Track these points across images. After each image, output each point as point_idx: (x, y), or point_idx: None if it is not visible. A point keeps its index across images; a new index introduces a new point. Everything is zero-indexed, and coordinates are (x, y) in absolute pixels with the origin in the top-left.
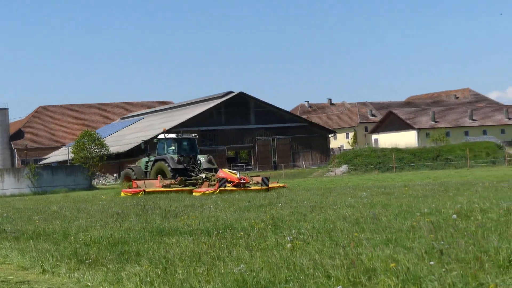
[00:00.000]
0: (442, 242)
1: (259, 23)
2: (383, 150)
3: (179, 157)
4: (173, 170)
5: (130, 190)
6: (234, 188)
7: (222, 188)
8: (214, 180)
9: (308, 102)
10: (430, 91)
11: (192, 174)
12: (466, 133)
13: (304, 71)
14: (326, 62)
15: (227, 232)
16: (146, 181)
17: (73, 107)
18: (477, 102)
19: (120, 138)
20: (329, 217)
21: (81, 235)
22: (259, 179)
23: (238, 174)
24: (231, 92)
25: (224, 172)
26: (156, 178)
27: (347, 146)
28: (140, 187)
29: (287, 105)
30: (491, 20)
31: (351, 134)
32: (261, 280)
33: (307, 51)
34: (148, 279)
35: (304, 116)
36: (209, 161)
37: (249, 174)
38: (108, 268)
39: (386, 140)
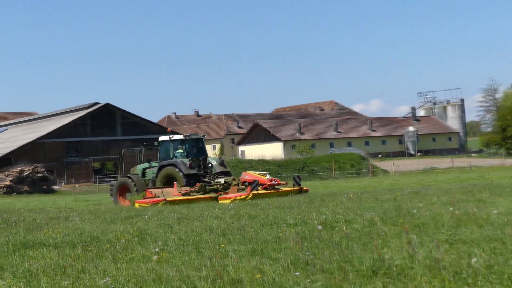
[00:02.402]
0: (307, 253)
1: (126, 34)
2: (250, 161)
3: (191, 161)
4: (185, 176)
5: (148, 200)
6: (265, 191)
7: (255, 192)
8: (236, 185)
9: (175, 113)
10: (296, 103)
11: (205, 179)
12: (332, 145)
13: (171, 83)
14: (193, 74)
15: (93, 245)
16: (164, 189)
17: None
18: (342, 114)
19: None
20: (196, 229)
21: None
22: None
23: (267, 175)
24: (97, 103)
25: (250, 175)
26: (164, 186)
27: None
28: (158, 196)
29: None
30: (354, 36)
31: (217, 146)
32: None
33: (174, 63)
34: None
35: (171, 128)
36: (222, 164)
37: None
38: None
39: (253, 151)
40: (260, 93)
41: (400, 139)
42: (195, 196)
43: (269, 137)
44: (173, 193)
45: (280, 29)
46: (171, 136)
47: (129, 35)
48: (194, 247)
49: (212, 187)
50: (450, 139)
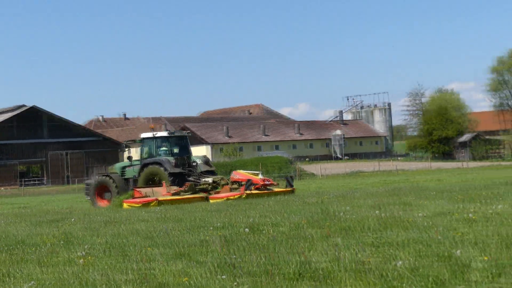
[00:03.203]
0: (234, 256)
1: (51, 34)
2: None
3: (176, 160)
4: (171, 175)
5: (138, 200)
6: (259, 191)
7: (248, 192)
8: (225, 184)
9: (102, 116)
10: (224, 106)
11: (190, 178)
12: (259, 148)
13: (99, 85)
14: (121, 77)
15: (18, 248)
16: (154, 189)
17: None
18: (269, 117)
19: None
20: (122, 232)
21: None
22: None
23: (260, 175)
24: (23, 105)
25: (241, 174)
26: (146, 186)
27: None
28: (148, 196)
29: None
30: (282, 39)
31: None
32: None
33: (101, 66)
34: None
35: (99, 131)
36: (206, 163)
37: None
38: None
39: None
40: (188, 96)
41: (327, 142)
42: (186, 196)
43: (196, 140)
44: (162, 192)
45: (207, 32)
46: (154, 133)
47: (55, 35)
48: (120, 251)
49: (201, 187)
50: (376, 142)
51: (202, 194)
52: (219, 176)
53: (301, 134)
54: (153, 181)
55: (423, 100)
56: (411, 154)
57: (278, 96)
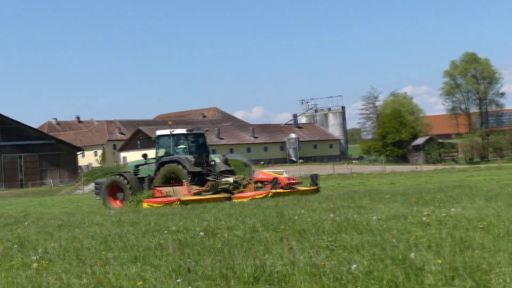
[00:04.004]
0: (189, 260)
1: (4, 42)
2: None
3: (196, 158)
4: (190, 174)
5: (159, 199)
6: (284, 190)
7: (274, 191)
8: (247, 184)
9: (56, 119)
10: (179, 109)
11: (209, 178)
12: (214, 151)
13: (52, 88)
14: (74, 79)
15: None
16: (175, 188)
17: None
18: (224, 121)
19: None
20: (77, 236)
21: None
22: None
23: (285, 173)
24: None
25: (265, 173)
26: (166, 185)
27: (95, 164)
28: (170, 196)
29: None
30: (236, 44)
31: (99, 152)
32: None
33: (54, 68)
34: None
35: (52, 134)
36: (225, 162)
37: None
38: None
39: (135, 157)
40: (144, 99)
41: (282, 146)
42: (209, 196)
43: (151, 143)
44: (183, 192)
45: (162, 34)
46: (171, 130)
47: (6, 37)
48: (75, 255)
49: (222, 186)
50: (331, 146)
51: (224, 194)
52: (240, 175)
53: (256, 137)
54: (170, 181)
55: (377, 103)
56: (366, 158)
57: (233, 99)
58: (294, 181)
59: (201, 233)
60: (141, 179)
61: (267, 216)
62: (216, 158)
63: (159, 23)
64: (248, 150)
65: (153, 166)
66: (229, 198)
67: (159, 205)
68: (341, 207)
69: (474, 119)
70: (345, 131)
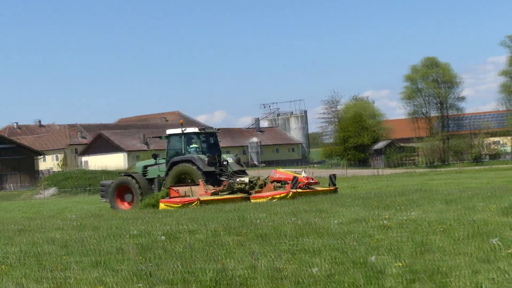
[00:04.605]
0: (150, 264)
1: None
2: (93, 172)
3: (210, 157)
4: (204, 173)
5: (177, 199)
6: (302, 190)
7: (294, 190)
8: (262, 184)
9: (16, 123)
10: (141, 113)
11: (222, 178)
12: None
13: (13, 91)
14: (35, 82)
15: None
16: (193, 188)
17: None
18: (187, 125)
19: None
20: (37, 241)
21: None
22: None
23: (303, 173)
24: None
25: (282, 172)
26: (176, 185)
27: (56, 168)
28: (187, 196)
29: None
30: (196, 46)
31: (60, 156)
32: None
33: (17, 70)
34: None
35: (13, 138)
36: (238, 162)
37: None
38: None
39: (96, 162)
40: (105, 103)
41: (244, 149)
42: (228, 196)
43: (112, 148)
44: (199, 192)
45: (123, 38)
46: (183, 129)
47: None
48: (35, 259)
49: (238, 187)
50: (293, 150)
51: (241, 194)
52: (255, 175)
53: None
54: (182, 181)
55: (339, 107)
56: (327, 161)
57: (195, 103)
58: (313, 181)
59: (163, 237)
60: (150, 180)
61: (229, 220)
62: (229, 158)
63: (121, 26)
64: None
65: (163, 167)
66: (247, 198)
67: (177, 205)
68: (303, 211)
69: (435, 123)
70: (306, 135)
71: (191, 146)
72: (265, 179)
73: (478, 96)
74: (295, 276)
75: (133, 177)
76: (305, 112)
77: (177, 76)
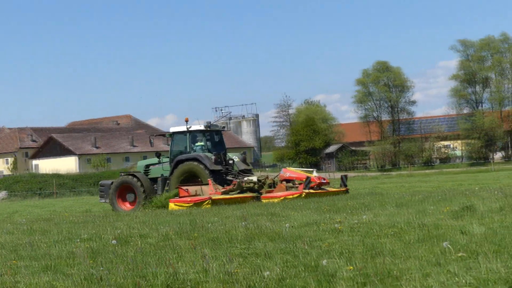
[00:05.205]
0: (101, 268)
1: None
2: (44, 175)
3: (217, 156)
4: (211, 172)
5: (188, 199)
6: (314, 191)
7: (307, 191)
8: (271, 183)
9: None
10: (92, 117)
11: (228, 177)
12: (127, 159)
13: None
14: None
15: None
16: (203, 187)
17: None
18: (138, 128)
19: None
20: None
21: None
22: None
23: (315, 172)
24: None
25: (292, 172)
26: (181, 184)
27: (6, 172)
28: (198, 195)
29: None
30: (145, 49)
31: (10, 160)
32: None
33: None
34: None
35: None
36: (244, 161)
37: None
38: None
39: (47, 165)
40: (56, 106)
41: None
42: (239, 196)
43: (64, 151)
44: (209, 191)
45: (73, 40)
46: (188, 126)
47: None
48: None
49: (247, 186)
50: (245, 153)
51: (251, 194)
52: (263, 174)
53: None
54: (188, 180)
55: (291, 111)
56: (279, 165)
57: (146, 107)
58: (324, 181)
59: (114, 241)
60: (152, 180)
61: (181, 224)
62: (235, 157)
63: (73, 29)
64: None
65: (167, 166)
66: (258, 198)
67: (188, 204)
68: (254, 215)
69: (386, 127)
70: (258, 138)
71: (196, 144)
72: (274, 178)
73: (428, 100)
74: (247, 280)
75: (136, 177)
76: (257, 115)
77: (128, 79)
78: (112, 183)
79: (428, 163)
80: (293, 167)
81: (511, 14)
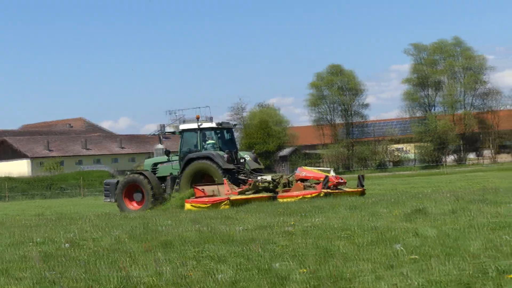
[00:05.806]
0: (54, 272)
1: None
2: None
3: (229, 154)
4: (223, 171)
5: (206, 199)
6: (332, 191)
7: (326, 190)
8: (286, 183)
9: None
10: (45, 119)
11: (241, 176)
12: (80, 162)
13: None
14: None
15: None
16: (219, 187)
17: None
18: (91, 131)
19: None
20: None
21: None
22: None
23: (332, 171)
24: None
25: (308, 171)
26: (200, 184)
27: None
28: (215, 195)
29: None
30: (99, 54)
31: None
32: None
33: None
34: None
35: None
36: (256, 160)
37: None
38: None
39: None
40: (8, 108)
41: (149, 156)
42: (256, 196)
43: (16, 154)
44: (225, 191)
45: (26, 43)
46: (199, 123)
47: None
48: None
49: (262, 185)
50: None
51: (268, 193)
52: (278, 174)
53: (123, 147)
54: (199, 179)
55: (244, 114)
56: None
57: (99, 109)
58: (342, 181)
59: (67, 245)
60: (160, 179)
61: (134, 227)
62: (246, 156)
63: (21, 30)
64: (115, 160)
65: (176, 164)
66: (274, 198)
67: (205, 205)
68: (208, 218)
69: (339, 130)
70: None
71: (208, 142)
72: (289, 177)
73: (381, 104)
74: (200, 283)
75: (144, 176)
76: (211, 118)
77: (80, 82)
78: (117, 182)
79: (381, 166)
80: (314, 168)
81: (463, 18)
